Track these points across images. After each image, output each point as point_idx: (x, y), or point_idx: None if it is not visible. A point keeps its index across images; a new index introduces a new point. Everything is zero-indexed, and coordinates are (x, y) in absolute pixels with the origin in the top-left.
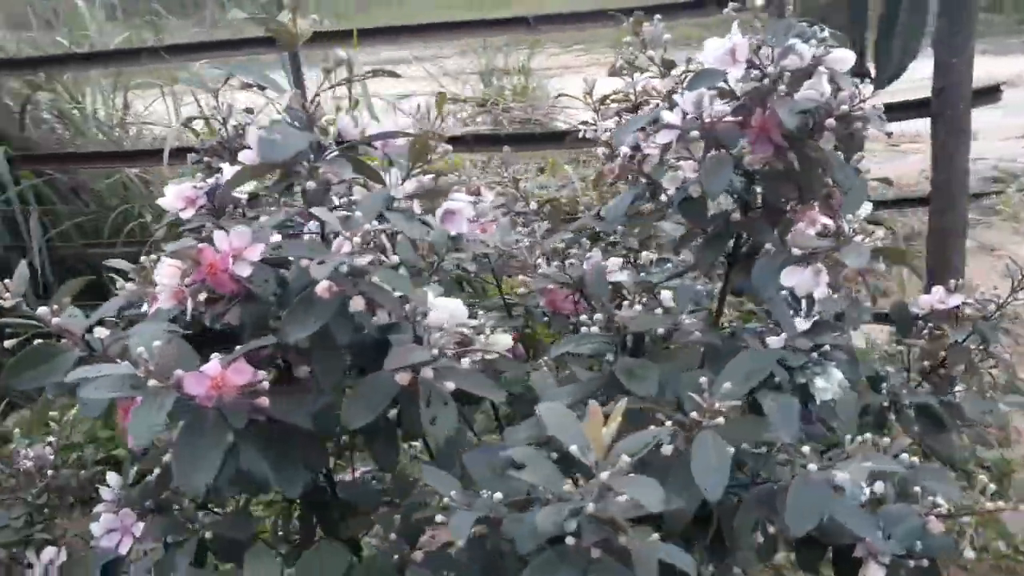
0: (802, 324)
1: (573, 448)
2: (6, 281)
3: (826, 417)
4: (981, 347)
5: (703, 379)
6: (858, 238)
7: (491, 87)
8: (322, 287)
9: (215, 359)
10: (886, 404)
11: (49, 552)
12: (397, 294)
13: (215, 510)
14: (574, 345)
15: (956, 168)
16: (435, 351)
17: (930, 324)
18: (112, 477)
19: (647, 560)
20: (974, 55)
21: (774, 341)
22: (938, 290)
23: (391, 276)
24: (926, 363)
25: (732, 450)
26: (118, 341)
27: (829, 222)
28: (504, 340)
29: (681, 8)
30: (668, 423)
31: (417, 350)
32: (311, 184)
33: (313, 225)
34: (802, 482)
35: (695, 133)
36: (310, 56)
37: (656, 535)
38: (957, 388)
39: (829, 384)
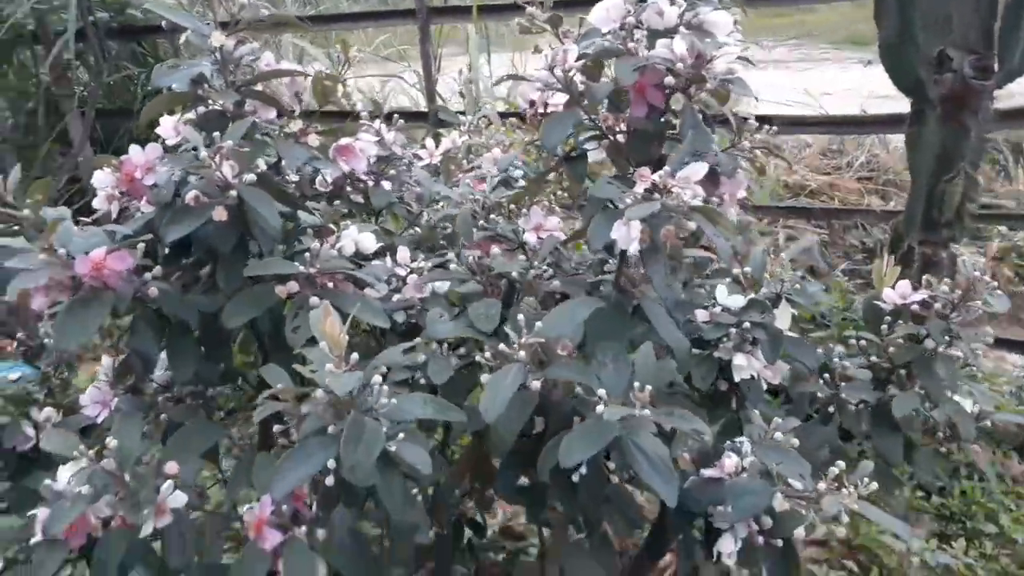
0: (737, 300)
1: (323, 345)
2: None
3: (746, 393)
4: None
5: (521, 317)
6: (687, 194)
7: None
8: (190, 196)
9: (103, 248)
10: (824, 396)
11: (47, 411)
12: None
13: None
14: (440, 280)
15: None
16: (311, 269)
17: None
18: (105, 360)
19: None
20: None
21: (701, 314)
22: (903, 285)
23: (253, 193)
24: (874, 359)
25: (537, 385)
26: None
27: (657, 179)
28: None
29: None
30: (487, 354)
31: (279, 263)
32: (201, 109)
33: None
34: (586, 422)
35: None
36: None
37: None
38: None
39: (747, 363)
